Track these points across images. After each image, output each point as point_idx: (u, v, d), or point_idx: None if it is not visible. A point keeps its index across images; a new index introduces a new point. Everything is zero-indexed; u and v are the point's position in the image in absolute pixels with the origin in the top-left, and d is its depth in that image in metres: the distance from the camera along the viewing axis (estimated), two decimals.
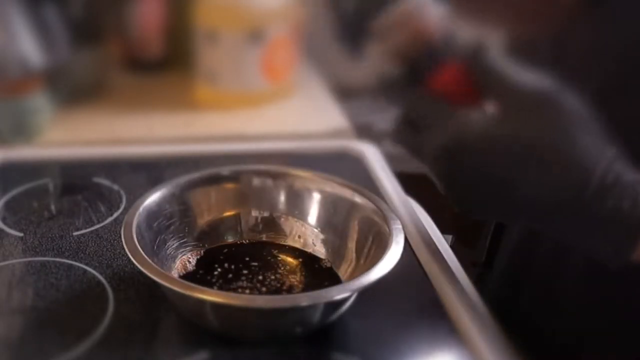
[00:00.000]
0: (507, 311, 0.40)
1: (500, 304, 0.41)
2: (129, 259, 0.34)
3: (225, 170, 0.44)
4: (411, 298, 0.39)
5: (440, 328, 0.37)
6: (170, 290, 0.32)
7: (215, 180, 0.44)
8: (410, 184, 0.55)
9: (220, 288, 0.38)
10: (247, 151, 0.61)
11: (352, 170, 0.57)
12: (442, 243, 0.47)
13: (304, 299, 0.33)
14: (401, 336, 0.36)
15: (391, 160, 0.60)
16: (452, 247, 0.48)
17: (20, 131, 0.62)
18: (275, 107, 0.74)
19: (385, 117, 0.96)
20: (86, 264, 0.42)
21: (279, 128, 0.69)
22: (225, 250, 0.42)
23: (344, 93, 0.83)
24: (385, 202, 0.43)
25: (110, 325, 0.36)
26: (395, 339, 0.36)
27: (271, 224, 0.43)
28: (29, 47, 0.62)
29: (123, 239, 0.35)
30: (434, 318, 0.38)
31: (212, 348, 0.34)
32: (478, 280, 0.44)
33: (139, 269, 0.33)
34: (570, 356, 0.41)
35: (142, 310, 0.37)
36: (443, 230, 0.50)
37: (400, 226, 0.38)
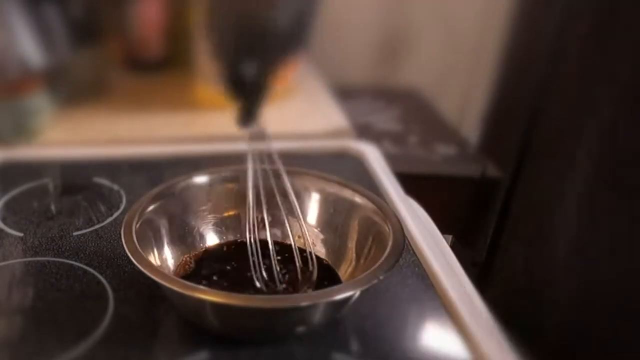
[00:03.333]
0: (507, 310, 0.40)
1: (500, 303, 0.41)
2: (129, 259, 0.34)
3: (225, 170, 0.44)
4: (411, 298, 0.39)
5: (440, 328, 0.37)
6: (171, 290, 0.32)
7: (215, 180, 0.44)
8: (410, 184, 0.55)
9: (220, 288, 0.38)
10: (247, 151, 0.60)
11: (352, 170, 0.57)
12: (442, 243, 0.47)
13: (303, 299, 0.33)
14: (401, 336, 0.36)
15: (391, 160, 0.60)
16: (452, 247, 0.48)
17: (20, 131, 0.62)
18: (275, 107, 0.74)
19: (385, 117, 0.96)
20: (86, 264, 0.42)
21: (279, 128, 0.69)
22: (225, 250, 0.42)
23: (344, 93, 0.83)
24: (385, 202, 0.43)
25: (110, 325, 0.36)
26: (395, 339, 0.36)
27: (271, 223, 0.43)
28: (29, 47, 0.62)
29: (123, 239, 0.35)
30: (434, 318, 0.38)
31: (212, 348, 0.34)
32: (478, 280, 0.44)
33: (140, 269, 0.33)
34: (571, 355, 0.41)
35: (142, 310, 0.37)
36: (443, 230, 0.50)
37: (400, 226, 0.38)
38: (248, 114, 0.45)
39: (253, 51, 0.42)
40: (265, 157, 0.43)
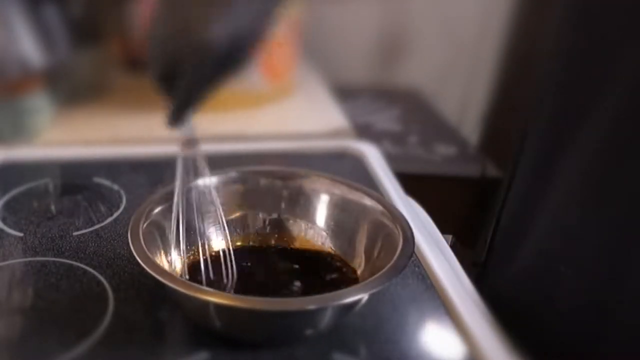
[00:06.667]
0: (507, 310, 0.40)
1: (500, 303, 0.41)
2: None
3: (232, 171, 0.44)
4: (411, 298, 0.39)
5: (440, 328, 0.37)
6: (177, 292, 0.32)
7: (222, 181, 0.43)
8: (410, 184, 0.55)
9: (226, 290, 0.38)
10: (247, 151, 0.61)
11: (352, 170, 0.57)
12: (442, 243, 0.47)
13: (311, 302, 0.32)
14: (401, 336, 0.36)
15: (391, 160, 0.60)
16: (452, 247, 0.48)
17: (20, 131, 0.62)
18: (275, 107, 0.74)
19: (385, 117, 0.96)
20: (86, 264, 0.42)
21: (279, 128, 0.69)
22: (232, 252, 0.42)
23: (344, 93, 0.83)
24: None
25: (110, 325, 0.36)
26: (396, 339, 0.36)
27: (279, 226, 0.43)
28: (29, 47, 0.62)
29: (130, 241, 0.35)
30: (434, 318, 0.38)
31: (212, 348, 0.34)
32: (478, 280, 0.44)
33: (146, 271, 0.33)
34: (571, 354, 0.41)
35: (142, 310, 0.37)
36: (443, 230, 0.50)
37: (410, 228, 0.37)
38: (177, 113, 0.43)
39: (186, 58, 0.41)
40: (195, 165, 0.42)
